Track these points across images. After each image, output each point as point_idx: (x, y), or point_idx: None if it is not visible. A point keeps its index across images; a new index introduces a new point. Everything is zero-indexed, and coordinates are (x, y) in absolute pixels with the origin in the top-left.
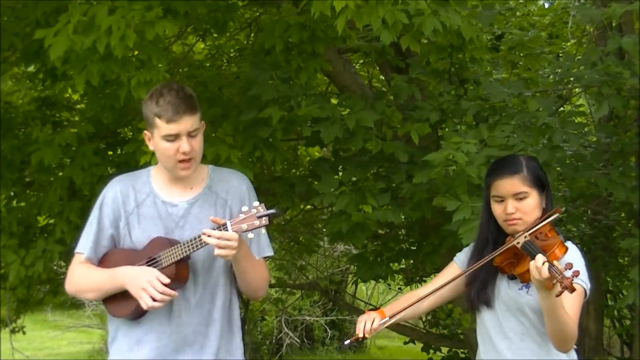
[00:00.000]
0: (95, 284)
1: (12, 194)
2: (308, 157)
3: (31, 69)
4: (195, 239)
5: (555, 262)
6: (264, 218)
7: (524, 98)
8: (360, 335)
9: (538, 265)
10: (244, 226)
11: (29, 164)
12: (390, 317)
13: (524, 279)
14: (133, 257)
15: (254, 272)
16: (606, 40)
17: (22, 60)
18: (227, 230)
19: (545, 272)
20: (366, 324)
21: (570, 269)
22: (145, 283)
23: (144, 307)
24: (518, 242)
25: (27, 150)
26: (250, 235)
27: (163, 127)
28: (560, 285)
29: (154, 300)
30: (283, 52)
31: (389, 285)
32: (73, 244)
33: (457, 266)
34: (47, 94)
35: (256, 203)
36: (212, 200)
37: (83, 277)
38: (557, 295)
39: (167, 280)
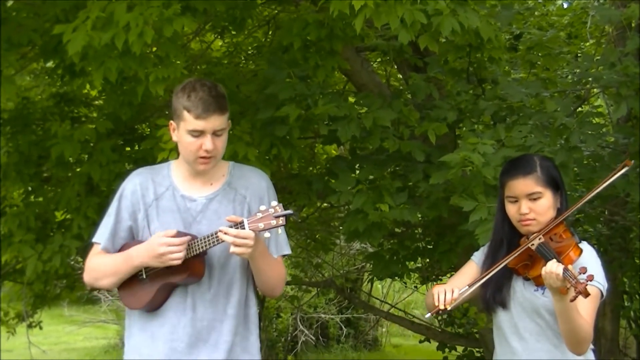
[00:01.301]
0: (111, 269)
1: (29, 189)
2: (325, 155)
3: (50, 64)
4: (212, 235)
5: (569, 267)
6: (281, 218)
7: (541, 98)
8: (442, 307)
9: (552, 270)
10: (261, 225)
11: (47, 159)
12: (470, 286)
13: (538, 283)
14: None
15: (271, 271)
16: (625, 40)
17: (41, 56)
18: (244, 228)
19: (559, 277)
20: (446, 294)
21: (584, 273)
22: (162, 248)
23: (178, 263)
24: (532, 244)
25: (45, 145)
26: (267, 234)
27: (191, 121)
28: (575, 290)
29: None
30: (301, 50)
31: (405, 283)
32: (90, 240)
33: (475, 265)
34: (66, 90)
35: (274, 202)
36: (231, 196)
37: (99, 264)
38: (572, 300)
39: (173, 232)
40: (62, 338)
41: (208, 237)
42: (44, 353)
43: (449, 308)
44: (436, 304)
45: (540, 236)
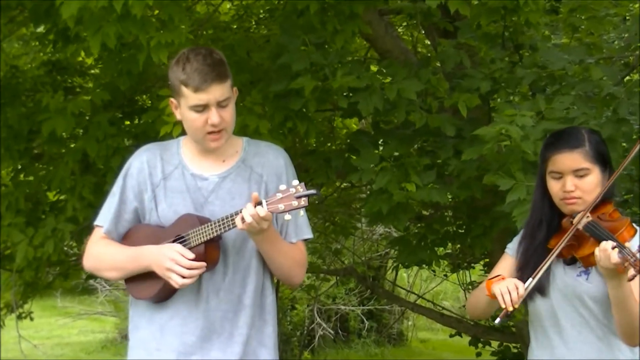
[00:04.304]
0: (117, 263)
1: (19, 167)
2: (345, 130)
3: (41, 29)
4: (228, 217)
5: (626, 244)
6: (303, 199)
7: (586, 66)
8: (511, 308)
9: (606, 247)
10: (281, 206)
11: (38, 134)
12: (533, 277)
13: (588, 263)
14: (159, 234)
15: (283, 257)
16: None
17: (31, 20)
18: (262, 208)
19: (614, 258)
20: (512, 294)
21: None
22: (170, 262)
23: (175, 286)
24: (580, 224)
25: (35, 119)
26: (287, 216)
27: (190, 96)
28: (634, 268)
29: (184, 277)
30: (318, 14)
31: (434, 271)
32: (85, 223)
33: (510, 257)
34: (58, 58)
35: (295, 182)
36: (246, 174)
37: (104, 254)
38: (630, 280)
39: (191, 255)
40: (54, 331)
41: (224, 219)
42: (35, 348)
43: (517, 307)
44: (503, 306)
45: (588, 214)
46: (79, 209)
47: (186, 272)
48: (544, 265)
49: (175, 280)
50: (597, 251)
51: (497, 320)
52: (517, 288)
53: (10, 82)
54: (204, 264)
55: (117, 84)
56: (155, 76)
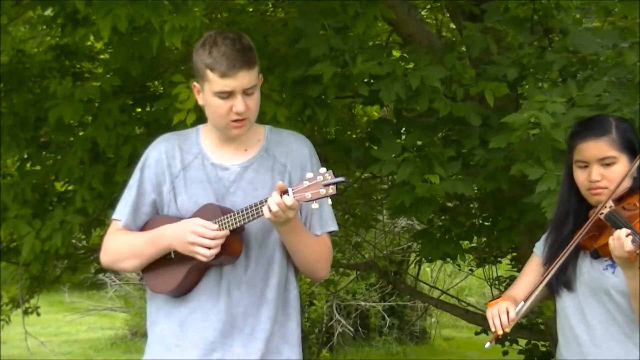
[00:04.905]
0: (134, 250)
1: (25, 156)
2: (366, 118)
3: (48, 12)
4: (251, 207)
5: None
6: (331, 187)
7: (619, 50)
8: (500, 332)
9: (620, 237)
10: (308, 195)
11: (45, 122)
12: (525, 301)
13: (604, 253)
14: None
15: (307, 250)
16: None
17: (39, 3)
18: (289, 197)
19: (628, 246)
20: (501, 317)
21: None
22: (193, 236)
23: (203, 259)
24: (602, 213)
25: (42, 105)
26: (315, 205)
27: (216, 81)
28: None
29: (210, 248)
30: None
31: (459, 266)
32: (95, 214)
33: (537, 258)
34: (67, 42)
35: (323, 169)
36: (269, 164)
37: (120, 243)
38: None
39: (214, 227)
40: (62, 328)
41: (247, 209)
42: (42, 345)
43: (508, 330)
44: (492, 329)
45: (611, 203)
46: (88, 200)
47: (212, 243)
48: (547, 276)
49: (203, 253)
50: (610, 240)
51: (487, 345)
52: (507, 311)
53: (17, 68)
54: (227, 232)
55: (128, 70)
56: (167, 61)
